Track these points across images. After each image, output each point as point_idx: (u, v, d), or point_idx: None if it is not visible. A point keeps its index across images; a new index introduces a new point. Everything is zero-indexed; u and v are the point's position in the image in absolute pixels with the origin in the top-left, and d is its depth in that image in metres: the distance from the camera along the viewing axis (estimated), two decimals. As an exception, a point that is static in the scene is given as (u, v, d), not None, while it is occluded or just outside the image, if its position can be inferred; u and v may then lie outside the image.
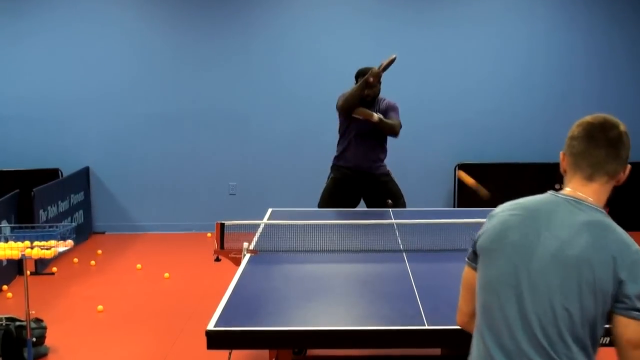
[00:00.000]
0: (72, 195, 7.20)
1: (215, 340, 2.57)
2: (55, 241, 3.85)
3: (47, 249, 3.76)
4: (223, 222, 4.06)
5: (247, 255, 3.70)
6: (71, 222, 6.93)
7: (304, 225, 4.03)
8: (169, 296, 5.54)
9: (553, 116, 7.64)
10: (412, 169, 7.50)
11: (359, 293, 3.20)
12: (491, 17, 7.68)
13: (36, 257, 3.80)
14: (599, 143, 1.87)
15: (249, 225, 4.27)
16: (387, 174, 5.39)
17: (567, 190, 1.92)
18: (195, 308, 5.13)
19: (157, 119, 7.72)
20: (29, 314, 3.83)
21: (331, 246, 3.87)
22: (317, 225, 4.03)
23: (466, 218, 4.11)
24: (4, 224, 5.73)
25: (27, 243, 3.79)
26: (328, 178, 5.44)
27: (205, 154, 7.79)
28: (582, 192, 1.89)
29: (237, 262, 3.74)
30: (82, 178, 7.63)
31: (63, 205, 6.93)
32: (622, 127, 1.91)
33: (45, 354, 4.36)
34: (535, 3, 7.70)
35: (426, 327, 2.63)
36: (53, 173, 7.48)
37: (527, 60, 7.69)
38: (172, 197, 7.83)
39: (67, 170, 7.52)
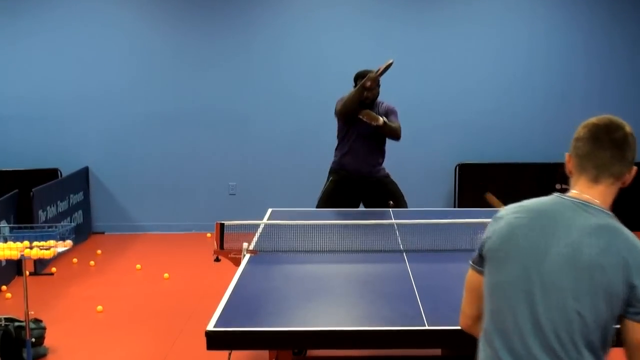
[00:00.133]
0: (71, 195, 7.19)
1: (215, 340, 2.56)
2: (55, 241, 3.84)
3: (46, 249, 3.75)
4: (223, 222, 4.05)
5: (247, 256, 3.69)
6: (70, 222, 6.92)
7: (303, 226, 4.02)
8: (169, 296, 5.53)
9: (553, 116, 7.63)
10: (413, 169, 7.49)
11: (359, 293, 3.19)
12: (491, 17, 7.67)
13: (35, 258, 3.79)
14: (604, 144, 1.86)
15: (249, 225, 4.26)
16: (387, 176, 5.39)
17: (573, 192, 1.90)
18: (195, 308, 5.12)
19: (157, 118, 7.71)
20: (28, 314, 3.82)
21: (331, 246, 3.86)
22: (317, 225, 4.01)
23: (466, 218, 4.11)
24: (3, 224, 5.72)
25: (27, 243, 3.78)
26: (327, 180, 5.42)
27: (205, 154, 7.78)
28: (588, 194, 1.87)
29: (237, 263, 3.73)
30: (82, 178, 7.62)
31: (62, 205, 6.92)
32: (628, 129, 1.89)
33: (44, 355, 4.34)
34: (535, 3, 7.69)
35: (426, 327, 2.62)
36: (52, 173, 7.47)
37: (528, 60, 7.68)
38: (172, 197, 7.82)
39: (66, 170, 7.50)
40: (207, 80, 7.67)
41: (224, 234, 4.01)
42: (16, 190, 6.38)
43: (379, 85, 5.22)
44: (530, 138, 7.72)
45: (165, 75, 7.67)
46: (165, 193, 7.81)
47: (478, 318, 2.01)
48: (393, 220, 4.45)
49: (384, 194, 5.28)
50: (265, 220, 4.56)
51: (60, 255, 3.98)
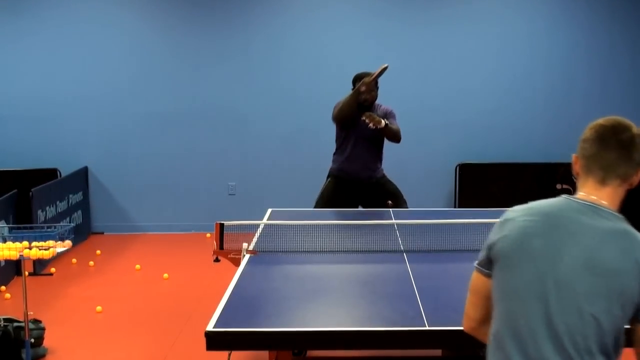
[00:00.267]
0: (70, 196, 7.18)
1: (215, 341, 2.55)
2: (54, 241, 3.83)
3: (45, 249, 3.75)
4: (222, 222, 4.03)
5: (247, 256, 3.69)
6: (70, 222, 6.91)
7: (303, 226, 4.01)
8: (168, 297, 5.52)
9: (554, 116, 7.63)
10: (413, 169, 7.49)
11: (359, 294, 3.18)
12: (492, 16, 7.66)
13: (34, 258, 3.79)
14: (610, 145, 1.85)
15: (249, 225, 4.26)
16: (383, 176, 5.38)
17: (581, 194, 1.89)
18: (195, 309, 5.11)
19: (156, 118, 7.70)
20: (27, 314, 3.81)
21: (331, 246, 3.85)
22: (316, 225, 4.01)
23: (467, 218, 4.10)
24: (2, 224, 5.70)
25: (26, 243, 3.77)
26: (325, 182, 5.41)
27: (205, 154, 7.77)
28: (596, 196, 1.86)
29: (237, 263, 3.72)
30: (81, 178, 7.61)
31: (61, 206, 6.91)
32: (635, 130, 1.87)
33: (43, 355, 4.33)
34: (536, 2, 7.68)
35: (427, 328, 2.61)
36: (51, 173, 7.46)
37: (528, 60, 7.67)
38: (172, 197, 7.81)
39: (65, 170, 7.49)
40: (206, 80, 7.66)
41: (224, 234, 4.00)
42: (15, 191, 6.37)
43: (377, 88, 5.22)
44: (530, 138, 7.71)
45: (164, 75, 7.66)
46: (165, 193, 7.80)
47: (483, 321, 2.00)
48: (393, 221, 4.45)
49: (382, 194, 5.27)
50: (264, 220, 4.55)
51: (59, 255, 3.98)
